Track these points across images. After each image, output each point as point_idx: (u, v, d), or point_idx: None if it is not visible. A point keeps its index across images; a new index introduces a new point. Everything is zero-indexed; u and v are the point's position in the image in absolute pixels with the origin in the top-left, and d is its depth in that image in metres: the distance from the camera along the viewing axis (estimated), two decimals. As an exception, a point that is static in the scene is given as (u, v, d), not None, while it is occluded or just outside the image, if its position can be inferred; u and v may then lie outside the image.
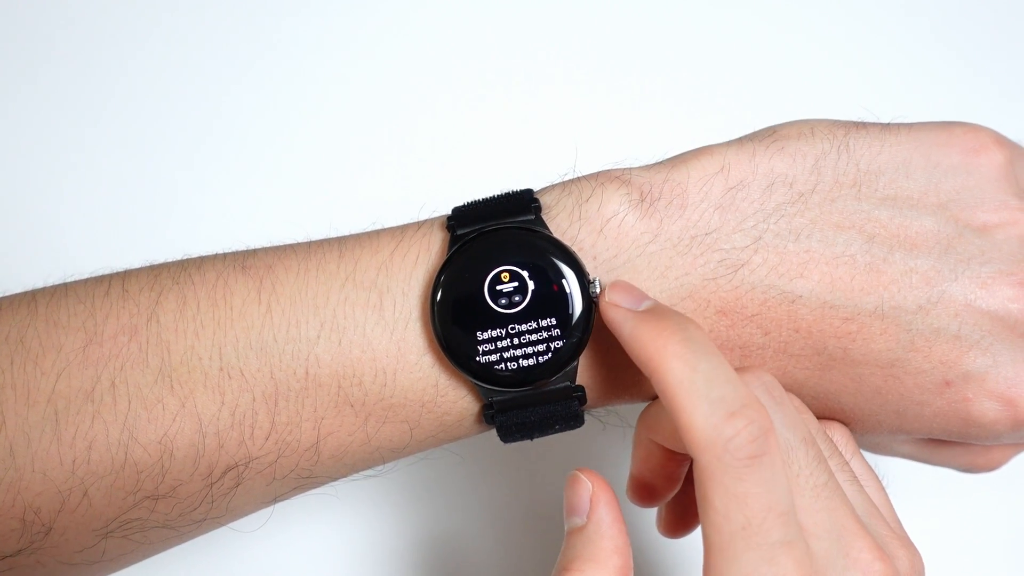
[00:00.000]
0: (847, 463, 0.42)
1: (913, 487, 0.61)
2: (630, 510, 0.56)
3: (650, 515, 0.48)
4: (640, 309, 0.40)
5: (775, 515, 0.36)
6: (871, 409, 0.45)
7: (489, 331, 0.43)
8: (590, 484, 0.41)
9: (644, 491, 0.45)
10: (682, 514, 0.47)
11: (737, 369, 0.41)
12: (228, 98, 0.67)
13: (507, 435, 0.44)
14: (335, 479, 0.46)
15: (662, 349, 0.38)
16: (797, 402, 0.44)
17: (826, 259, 0.43)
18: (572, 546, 0.40)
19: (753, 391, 0.39)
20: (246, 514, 0.46)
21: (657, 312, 0.40)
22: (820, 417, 0.46)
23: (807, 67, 0.68)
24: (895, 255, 0.44)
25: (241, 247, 0.46)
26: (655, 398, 0.45)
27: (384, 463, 0.46)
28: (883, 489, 0.44)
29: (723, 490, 0.36)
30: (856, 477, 0.42)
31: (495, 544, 0.60)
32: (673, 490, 0.45)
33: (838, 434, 0.45)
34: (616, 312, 0.41)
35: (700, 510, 0.37)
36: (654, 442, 0.43)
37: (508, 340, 0.43)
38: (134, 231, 0.63)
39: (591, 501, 0.40)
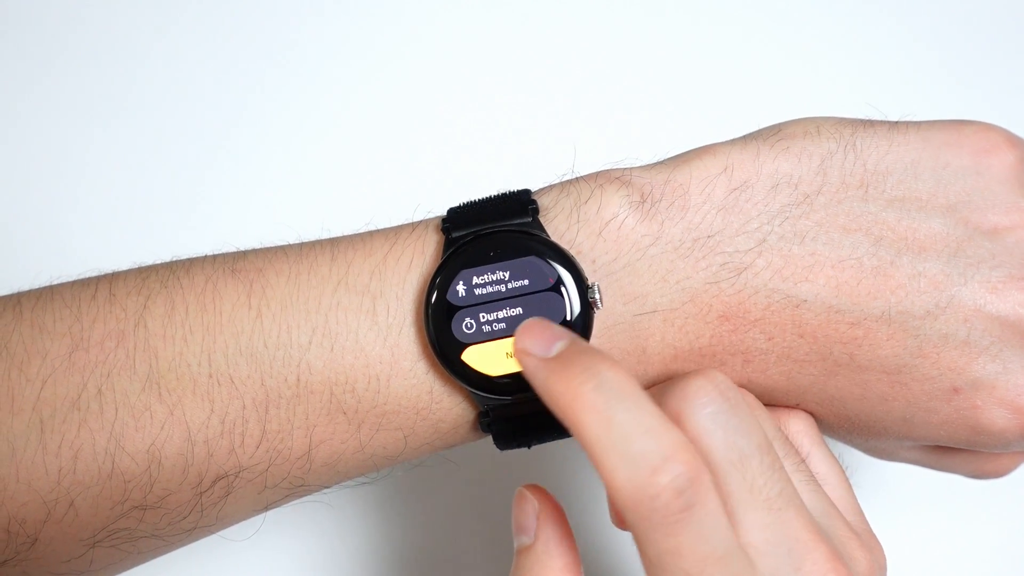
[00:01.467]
0: (803, 462, 0.41)
1: (908, 492, 0.61)
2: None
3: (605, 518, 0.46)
4: (551, 355, 0.37)
5: (713, 561, 0.35)
6: (877, 416, 0.44)
7: None
8: (535, 501, 0.39)
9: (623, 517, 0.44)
10: None
11: (687, 373, 0.39)
12: (219, 97, 0.66)
13: (503, 443, 0.44)
14: (328, 487, 0.45)
15: (573, 402, 0.35)
16: (751, 399, 0.43)
17: (832, 262, 0.42)
18: (521, 566, 0.39)
19: (674, 431, 0.36)
20: (237, 522, 0.45)
21: (566, 358, 0.37)
22: (818, 417, 0.45)
23: (812, 63, 0.68)
24: (903, 258, 0.43)
25: (231, 248, 0.45)
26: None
27: (378, 470, 0.45)
28: (846, 481, 0.43)
29: (655, 546, 0.35)
30: (812, 477, 0.41)
31: (489, 553, 0.59)
32: None
33: (799, 424, 0.44)
34: (527, 362, 0.37)
35: (641, 561, 0.36)
36: None
37: None
38: (122, 232, 0.63)
39: (538, 519, 0.39)
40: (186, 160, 0.65)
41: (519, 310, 0.42)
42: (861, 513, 0.42)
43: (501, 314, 0.42)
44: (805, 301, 0.43)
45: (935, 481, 0.57)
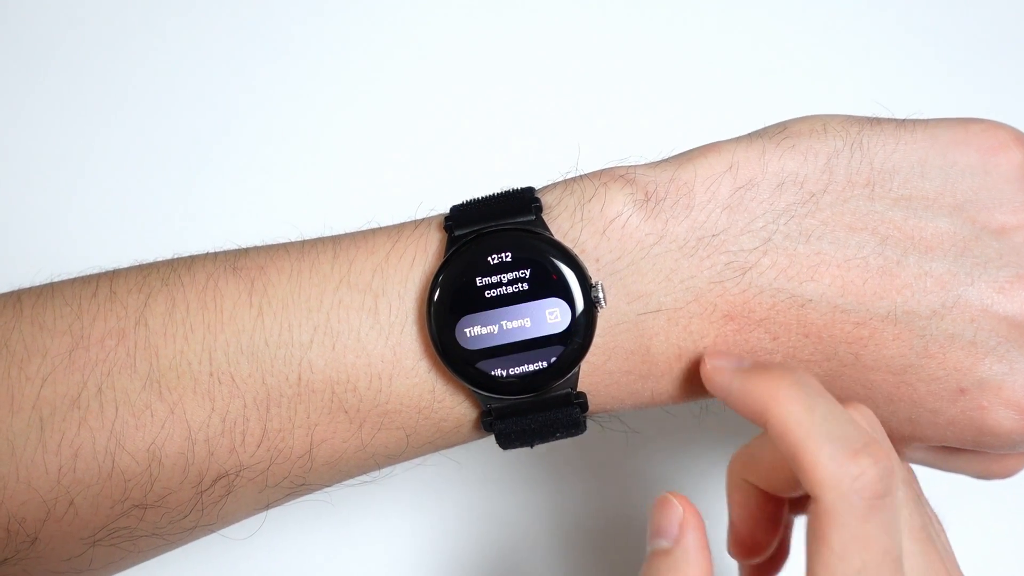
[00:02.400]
0: (934, 512, 0.42)
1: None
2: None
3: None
4: (744, 366, 0.40)
5: (890, 559, 0.36)
6: (883, 416, 0.44)
7: None
8: (680, 508, 0.39)
9: (747, 541, 0.43)
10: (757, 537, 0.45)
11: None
12: (221, 95, 0.66)
13: (506, 442, 0.43)
14: (329, 485, 0.45)
15: (776, 395, 0.38)
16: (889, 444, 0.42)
17: (837, 262, 0.42)
18: (657, 568, 0.39)
19: (867, 428, 0.38)
20: (238, 521, 0.45)
21: (763, 365, 0.40)
22: None
23: (819, 60, 0.67)
24: (909, 258, 0.42)
25: (232, 246, 0.45)
26: (662, 403, 0.44)
27: (379, 469, 0.45)
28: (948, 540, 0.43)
29: (846, 531, 0.35)
30: (943, 528, 0.42)
31: (492, 552, 0.59)
32: (775, 537, 0.43)
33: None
34: (722, 375, 0.41)
35: (812, 552, 0.36)
36: (751, 485, 0.42)
37: None
38: (123, 228, 0.63)
39: (680, 526, 0.39)
40: (188, 157, 0.65)
41: (527, 320, 0.42)
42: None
43: (507, 323, 0.42)
44: (810, 301, 0.42)
45: (941, 481, 0.56)
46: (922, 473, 0.51)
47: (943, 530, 0.42)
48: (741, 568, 0.45)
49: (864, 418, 0.40)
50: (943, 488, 0.60)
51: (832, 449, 0.36)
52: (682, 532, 0.39)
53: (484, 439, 0.45)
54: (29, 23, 0.66)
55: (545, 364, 0.42)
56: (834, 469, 0.36)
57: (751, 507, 0.42)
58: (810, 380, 0.38)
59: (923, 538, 0.38)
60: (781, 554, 0.44)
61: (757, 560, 0.43)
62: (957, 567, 0.40)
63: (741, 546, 0.43)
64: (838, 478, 0.36)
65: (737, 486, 0.42)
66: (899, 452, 0.49)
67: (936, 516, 0.42)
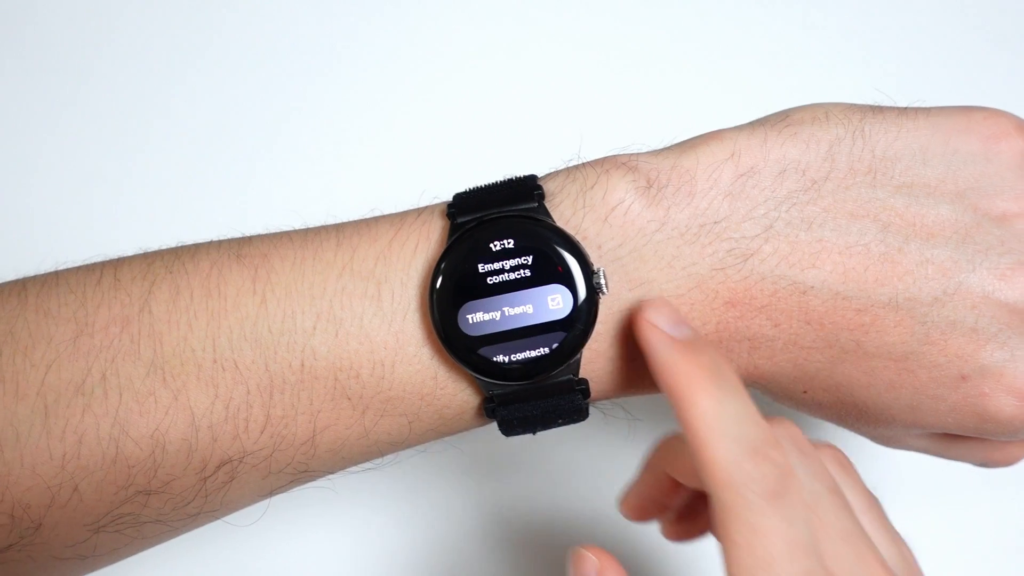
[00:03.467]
0: (886, 518, 0.41)
1: (915, 480, 0.60)
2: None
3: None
4: (679, 337, 0.40)
5: (800, 550, 0.36)
6: (884, 403, 0.44)
7: None
8: (596, 560, 0.40)
9: (638, 510, 0.45)
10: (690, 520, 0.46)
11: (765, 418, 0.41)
12: (224, 84, 0.66)
13: (508, 429, 0.43)
14: (332, 472, 0.45)
15: (693, 382, 0.38)
16: (840, 455, 0.43)
17: (839, 249, 0.42)
18: None
19: (773, 432, 0.38)
20: (241, 507, 0.45)
21: (697, 345, 0.39)
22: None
23: (821, 48, 0.67)
24: (911, 245, 0.42)
25: (236, 234, 0.45)
26: (659, 390, 0.44)
27: (382, 456, 0.45)
28: (914, 559, 0.43)
29: (745, 525, 0.36)
30: (896, 535, 0.41)
31: (494, 539, 0.59)
32: (664, 516, 0.45)
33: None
34: (653, 334, 0.40)
35: (722, 548, 0.37)
36: (664, 471, 0.43)
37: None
38: (127, 217, 0.63)
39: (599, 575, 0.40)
40: (192, 146, 0.65)
41: (529, 307, 0.42)
42: None
43: (509, 309, 0.42)
44: (812, 287, 0.42)
45: (942, 469, 0.57)
46: (929, 462, 0.51)
47: (906, 552, 0.42)
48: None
49: (788, 434, 0.40)
50: (950, 476, 0.60)
51: (732, 447, 0.37)
52: None
53: (486, 426, 0.45)
54: (30, 16, 0.66)
55: (547, 350, 0.42)
56: (731, 467, 0.36)
57: (656, 490, 0.44)
58: (730, 375, 0.39)
59: (854, 540, 0.38)
60: (695, 528, 0.45)
61: (637, 522, 0.46)
62: (916, 570, 0.40)
63: (630, 508, 0.45)
64: (734, 476, 0.36)
65: (652, 469, 0.43)
66: (899, 440, 0.49)
67: (898, 537, 0.42)
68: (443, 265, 0.42)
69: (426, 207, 0.44)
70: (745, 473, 0.36)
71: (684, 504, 0.45)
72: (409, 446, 0.45)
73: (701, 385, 0.38)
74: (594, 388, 0.44)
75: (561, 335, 0.42)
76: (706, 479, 0.37)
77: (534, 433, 0.44)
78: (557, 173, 0.44)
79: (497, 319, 0.42)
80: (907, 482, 0.60)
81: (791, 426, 0.41)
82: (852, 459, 0.43)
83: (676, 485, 0.43)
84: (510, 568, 0.59)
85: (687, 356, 0.39)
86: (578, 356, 0.42)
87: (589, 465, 0.60)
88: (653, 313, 0.40)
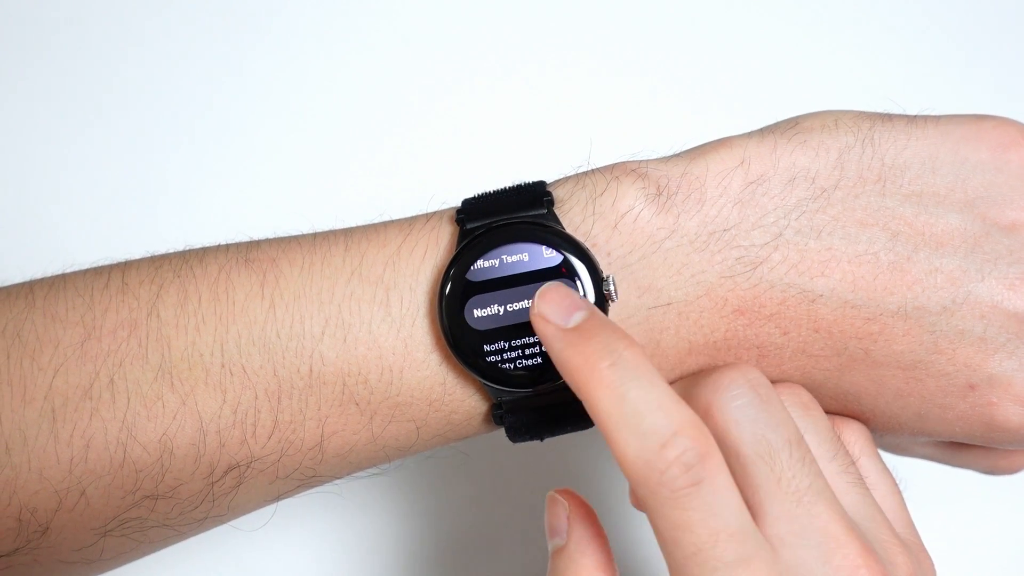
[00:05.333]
0: (853, 464, 0.41)
1: (926, 491, 0.60)
2: (623, 516, 0.55)
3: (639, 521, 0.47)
4: (569, 325, 0.38)
5: (725, 536, 0.35)
6: (892, 411, 0.44)
7: None
8: (566, 503, 0.40)
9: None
10: None
11: (720, 366, 0.40)
12: (232, 87, 0.66)
13: (516, 435, 0.43)
14: (339, 477, 0.45)
15: (589, 377, 0.36)
16: (804, 397, 0.42)
17: (848, 257, 0.42)
18: (556, 567, 0.40)
19: (686, 409, 0.36)
20: (248, 512, 0.45)
21: (585, 331, 0.37)
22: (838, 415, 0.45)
23: (831, 55, 0.67)
24: (920, 254, 0.42)
25: (244, 238, 0.45)
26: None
27: (390, 461, 0.45)
28: (897, 492, 0.42)
29: (666, 520, 0.35)
30: (861, 479, 0.41)
31: (502, 544, 0.59)
32: None
33: (851, 433, 0.44)
34: (544, 328, 0.38)
35: (655, 536, 0.36)
36: None
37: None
38: (136, 220, 0.63)
39: (568, 520, 0.40)
40: (200, 149, 0.65)
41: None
42: (911, 525, 0.42)
43: (516, 305, 0.42)
44: (821, 296, 0.42)
45: (949, 477, 0.57)
46: (936, 469, 0.51)
47: (888, 486, 0.42)
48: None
49: (747, 380, 0.39)
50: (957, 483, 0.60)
51: (638, 443, 0.35)
52: (571, 526, 0.39)
53: (494, 432, 0.45)
54: (34, 17, 0.66)
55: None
56: (640, 465, 0.35)
57: None
58: (629, 355, 0.37)
59: (808, 499, 0.37)
60: None
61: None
62: (884, 523, 0.40)
63: (635, 501, 0.43)
64: (645, 474, 0.35)
65: None
66: (906, 448, 0.49)
67: (883, 473, 0.42)
68: (452, 271, 0.42)
69: (435, 212, 0.44)
70: (656, 469, 0.35)
71: None
72: (417, 452, 0.45)
73: (598, 378, 0.36)
74: (602, 394, 0.43)
75: None
76: (625, 475, 0.36)
77: (542, 440, 0.44)
78: (567, 179, 0.44)
79: (501, 314, 0.42)
80: (912, 488, 0.60)
81: (749, 370, 0.40)
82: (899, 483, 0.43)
83: None
84: (517, 573, 0.59)
85: (579, 348, 0.37)
86: (587, 363, 0.42)
87: (596, 471, 0.60)
88: (542, 304, 0.39)
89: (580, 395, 0.37)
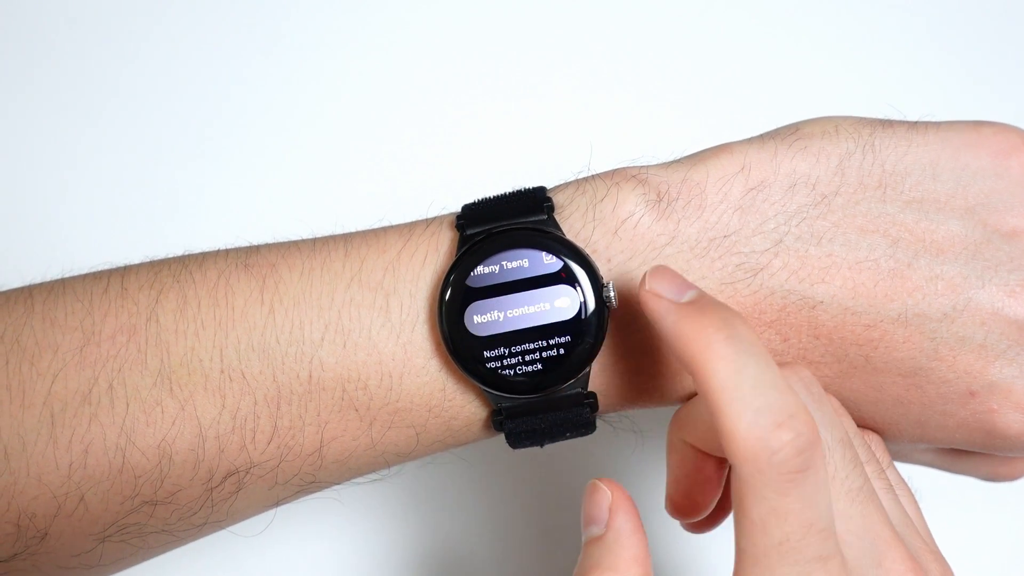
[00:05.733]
0: (883, 471, 0.41)
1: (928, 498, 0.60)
2: (650, 520, 0.55)
3: (672, 524, 0.46)
4: (683, 300, 0.38)
5: (815, 531, 0.35)
6: (892, 418, 0.44)
7: None
8: (609, 493, 0.39)
9: (683, 503, 0.43)
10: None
11: (777, 363, 0.39)
12: (232, 91, 0.66)
13: (516, 442, 0.43)
14: (339, 483, 0.45)
15: (705, 348, 0.36)
16: (836, 403, 0.42)
17: (848, 264, 0.42)
18: (590, 555, 0.38)
19: (798, 394, 0.36)
20: (248, 517, 0.45)
21: (701, 305, 0.37)
22: None
23: (832, 61, 0.67)
24: (920, 260, 0.42)
25: (244, 243, 0.45)
26: (672, 403, 0.44)
27: (389, 467, 0.45)
28: (916, 503, 0.42)
29: (764, 504, 0.34)
30: (891, 487, 0.41)
31: (502, 550, 0.59)
32: (714, 498, 0.42)
33: (874, 443, 0.44)
34: (657, 303, 0.38)
35: (736, 519, 0.36)
36: (688, 445, 0.41)
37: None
38: (135, 225, 0.63)
39: (610, 510, 0.39)
40: (200, 154, 0.64)
41: (535, 307, 0.42)
42: (931, 535, 0.41)
43: (516, 311, 0.42)
44: (821, 303, 0.42)
45: (949, 483, 0.57)
46: (936, 476, 0.51)
47: (908, 495, 0.42)
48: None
49: (801, 380, 0.39)
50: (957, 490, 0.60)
51: (754, 419, 0.34)
52: (612, 516, 0.38)
53: (494, 438, 0.45)
54: (33, 21, 0.66)
55: (555, 354, 0.42)
56: (752, 442, 0.34)
57: (688, 467, 0.42)
58: (746, 333, 0.36)
59: (862, 499, 0.37)
60: (721, 511, 0.43)
61: (695, 519, 0.43)
62: (915, 530, 0.40)
63: (678, 506, 0.42)
64: (755, 451, 0.34)
65: (675, 446, 0.42)
66: (906, 455, 0.49)
67: (902, 483, 0.42)
68: (452, 277, 0.42)
69: (435, 218, 0.44)
70: (768, 448, 0.34)
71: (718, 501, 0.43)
72: (416, 457, 0.44)
73: (715, 350, 0.35)
74: (602, 401, 0.43)
75: (568, 339, 0.42)
76: (728, 451, 0.35)
77: (541, 446, 0.44)
78: (567, 185, 0.44)
79: (501, 320, 0.42)
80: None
81: (803, 371, 0.40)
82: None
83: (704, 458, 0.41)
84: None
85: (695, 320, 0.36)
86: (587, 369, 0.42)
87: (596, 475, 0.60)
88: (654, 281, 0.38)
89: (693, 366, 0.36)
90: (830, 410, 0.39)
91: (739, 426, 0.34)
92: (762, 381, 0.35)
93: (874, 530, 0.37)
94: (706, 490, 0.42)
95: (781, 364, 0.40)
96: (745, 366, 0.35)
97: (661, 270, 0.39)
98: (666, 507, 0.43)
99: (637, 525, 0.39)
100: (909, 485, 0.43)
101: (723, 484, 0.42)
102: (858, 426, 0.44)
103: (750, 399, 0.35)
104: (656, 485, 0.59)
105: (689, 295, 0.38)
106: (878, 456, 0.43)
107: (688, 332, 0.36)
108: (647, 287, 0.38)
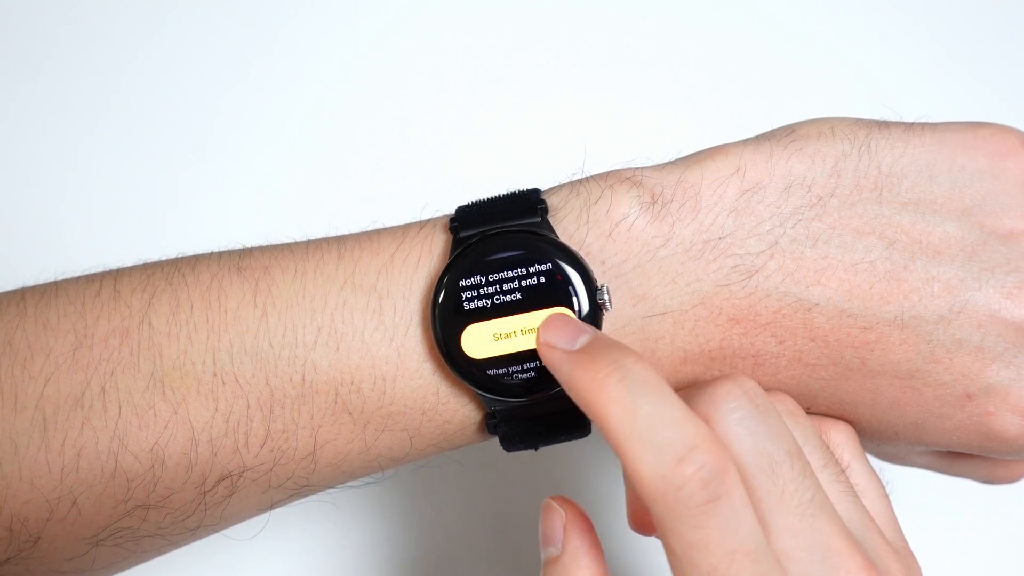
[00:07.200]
0: (843, 472, 0.41)
1: (921, 498, 0.60)
2: (611, 530, 0.55)
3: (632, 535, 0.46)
4: (575, 348, 0.38)
5: (741, 556, 0.34)
6: (888, 421, 0.44)
7: None
8: (563, 512, 0.39)
9: (641, 518, 0.42)
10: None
11: (715, 378, 0.39)
12: (226, 93, 0.66)
13: (510, 445, 0.43)
14: (333, 486, 0.45)
15: (599, 393, 0.36)
16: (790, 404, 0.42)
17: (844, 266, 0.42)
18: None
19: (698, 423, 0.36)
20: (241, 521, 0.45)
21: (591, 350, 0.37)
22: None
23: (827, 62, 0.67)
24: (916, 262, 0.42)
25: (237, 245, 0.45)
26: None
27: (383, 471, 0.45)
28: (885, 496, 0.42)
29: (682, 539, 0.34)
30: (851, 488, 0.40)
31: (496, 553, 0.59)
32: None
33: (840, 435, 0.43)
34: (551, 355, 0.38)
35: (666, 554, 0.35)
36: None
37: None
38: (128, 227, 0.62)
39: (565, 529, 0.39)
40: (192, 156, 0.64)
41: (529, 317, 0.42)
42: (899, 530, 0.41)
43: (511, 321, 0.42)
44: (817, 305, 0.42)
45: (946, 486, 0.56)
46: (932, 478, 0.51)
47: (876, 490, 0.41)
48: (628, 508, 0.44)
49: (731, 394, 0.38)
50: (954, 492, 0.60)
51: (654, 459, 0.34)
52: (567, 536, 0.38)
53: (488, 441, 0.45)
54: (30, 22, 0.66)
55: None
56: (657, 481, 0.34)
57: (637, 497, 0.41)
58: (638, 371, 0.36)
59: (812, 512, 0.37)
60: None
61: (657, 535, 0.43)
62: (876, 531, 0.39)
63: (638, 522, 0.42)
64: (662, 490, 0.34)
65: (627, 478, 0.41)
66: (903, 457, 0.49)
67: (871, 477, 0.41)
68: (445, 280, 0.42)
69: (428, 220, 0.44)
70: (671, 485, 0.34)
71: None
72: (410, 461, 0.44)
73: (607, 394, 0.35)
74: (596, 404, 0.43)
75: None
76: (638, 492, 0.35)
77: (536, 449, 0.43)
78: (561, 187, 0.44)
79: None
80: (909, 497, 0.60)
81: (744, 380, 0.39)
82: (886, 485, 0.43)
83: None
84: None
85: (586, 366, 0.36)
86: (581, 372, 0.42)
87: (590, 480, 0.60)
88: (547, 332, 0.39)
89: (591, 414, 0.36)
90: (776, 420, 0.38)
91: (641, 467, 0.34)
92: (659, 418, 0.35)
93: (826, 543, 0.37)
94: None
95: (720, 377, 0.39)
96: (640, 405, 0.35)
97: (554, 320, 0.39)
98: (628, 523, 0.43)
99: (593, 543, 0.39)
100: (880, 478, 0.42)
101: None
102: (826, 416, 0.44)
103: (648, 438, 0.34)
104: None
105: (581, 340, 0.38)
106: (843, 451, 0.43)
107: (581, 380, 0.36)
108: (541, 339, 0.39)
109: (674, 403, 0.35)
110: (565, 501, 0.39)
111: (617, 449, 0.35)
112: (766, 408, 0.39)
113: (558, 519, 0.39)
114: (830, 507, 0.38)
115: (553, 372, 0.38)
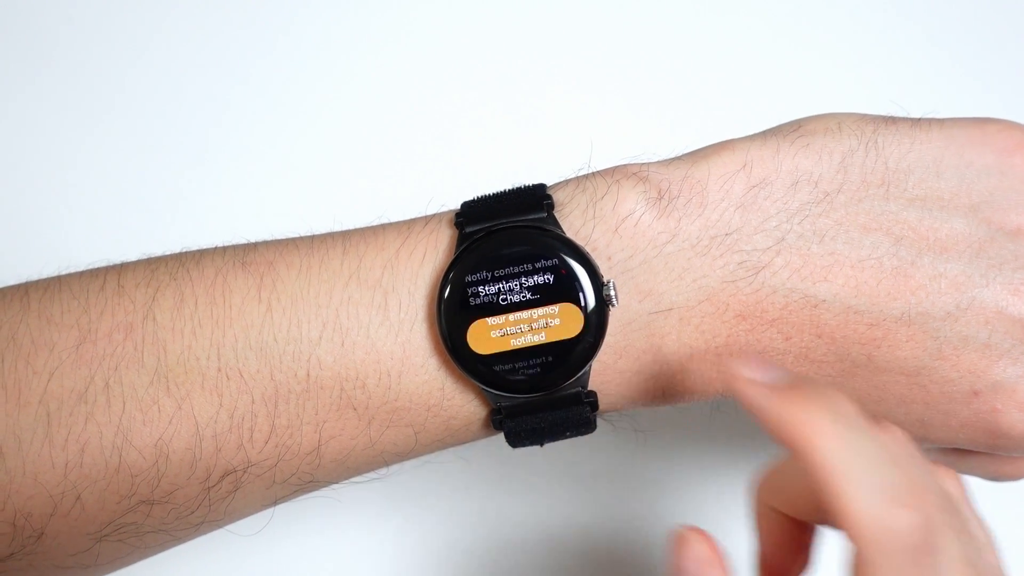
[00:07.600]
0: (981, 523, 0.38)
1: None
2: (613, 531, 0.54)
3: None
4: (779, 384, 0.36)
5: None
6: (894, 418, 0.43)
7: None
8: (702, 548, 0.37)
9: (773, 569, 0.40)
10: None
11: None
12: (231, 88, 0.65)
13: (516, 441, 0.43)
14: (337, 482, 0.45)
15: (813, 428, 0.34)
16: (959, 482, 0.39)
17: (851, 262, 0.42)
18: None
19: (920, 468, 0.34)
20: (245, 517, 0.45)
21: (801, 387, 0.36)
22: None
23: (834, 58, 0.67)
24: (924, 259, 0.42)
25: (241, 240, 0.45)
26: (672, 403, 0.44)
27: (388, 466, 0.45)
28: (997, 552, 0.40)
29: None
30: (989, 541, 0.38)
31: (501, 549, 0.59)
32: (805, 562, 0.40)
33: (954, 487, 0.40)
34: (754, 392, 0.36)
35: None
36: (778, 511, 0.39)
37: None
38: (132, 222, 0.62)
39: (703, 567, 0.37)
40: (197, 151, 0.64)
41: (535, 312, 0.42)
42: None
43: (517, 317, 0.42)
44: (824, 301, 0.42)
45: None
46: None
47: (988, 540, 0.39)
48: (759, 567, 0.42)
49: (895, 442, 0.36)
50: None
51: (872, 499, 0.33)
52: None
53: (493, 437, 0.45)
54: (33, 19, 0.66)
55: (553, 359, 0.41)
56: (873, 521, 0.32)
57: (778, 534, 0.40)
58: (847, 409, 0.35)
59: (968, 573, 0.34)
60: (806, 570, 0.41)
61: None
62: None
63: (769, 573, 0.40)
64: (877, 533, 0.32)
65: (763, 514, 0.40)
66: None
67: (981, 523, 0.39)
68: (451, 275, 0.41)
69: (434, 215, 0.44)
70: (890, 530, 0.32)
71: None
72: (415, 456, 0.44)
73: (824, 428, 0.34)
74: (602, 400, 0.43)
75: (569, 347, 0.41)
76: (848, 530, 0.33)
77: (541, 445, 0.43)
78: (567, 182, 0.44)
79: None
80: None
81: (897, 432, 0.37)
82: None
83: (797, 524, 0.39)
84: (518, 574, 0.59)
85: (796, 400, 0.35)
86: (587, 368, 0.42)
87: (596, 476, 0.60)
88: (748, 370, 0.37)
89: (801, 448, 0.34)
90: (945, 494, 0.36)
91: (856, 505, 0.33)
92: (875, 455, 0.33)
93: None
94: (796, 554, 0.40)
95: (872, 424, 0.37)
96: (856, 440, 0.34)
97: (746, 356, 0.37)
98: (755, 568, 0.41)
99: None
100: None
101: (812, 552, 0.40)
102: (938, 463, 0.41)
103: (864, 476, 0.33)
104: (655, 483, 0.58)
105: (781, 377, 0.37)
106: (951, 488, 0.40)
107: (792, 413, 0.35)
108: (742, 378, 0.37)
109: (881, 442, 0.34)
110: (705, 535, 0.37)
111: (831, 486, 0.33)
112: (925, 464, 0.36)
113: (695, 554, 0.37)
114: (977, 561, 0.35)
115: (751, 408, 0.36)
